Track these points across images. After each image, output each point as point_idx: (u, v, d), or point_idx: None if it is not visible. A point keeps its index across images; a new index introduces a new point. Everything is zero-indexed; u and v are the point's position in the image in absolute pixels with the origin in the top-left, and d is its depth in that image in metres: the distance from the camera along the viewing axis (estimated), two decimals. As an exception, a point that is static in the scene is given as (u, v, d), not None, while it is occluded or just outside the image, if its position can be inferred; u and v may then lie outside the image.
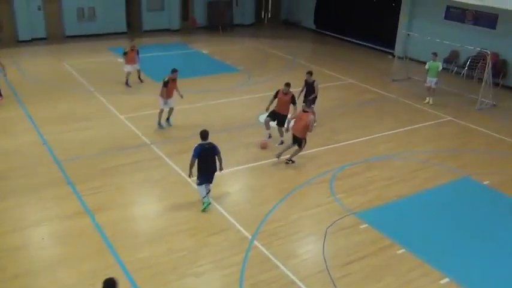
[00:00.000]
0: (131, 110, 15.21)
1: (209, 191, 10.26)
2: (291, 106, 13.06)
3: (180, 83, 14.68)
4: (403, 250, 9.21)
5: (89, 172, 11.46)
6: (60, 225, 9.53)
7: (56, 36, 23.61)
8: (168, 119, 14.27)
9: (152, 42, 24.07)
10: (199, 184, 10.09)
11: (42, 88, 17.05)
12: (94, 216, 9.76)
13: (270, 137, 13.48)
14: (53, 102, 15.69)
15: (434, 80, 16.75)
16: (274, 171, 11.97)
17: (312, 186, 11.33)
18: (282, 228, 9.70)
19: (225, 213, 10.08)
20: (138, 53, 17.39)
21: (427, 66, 16.90)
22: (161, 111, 13.99)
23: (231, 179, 11.73)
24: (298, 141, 12.16)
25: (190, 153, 9.84)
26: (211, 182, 10.25)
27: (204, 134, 9.98)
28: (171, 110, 14.16)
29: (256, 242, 9.22)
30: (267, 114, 13.37)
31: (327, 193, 11.05)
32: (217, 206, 10.32)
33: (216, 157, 10.07)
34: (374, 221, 10.00)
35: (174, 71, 13.84)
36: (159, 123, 14.04)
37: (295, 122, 12.20)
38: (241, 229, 9.59)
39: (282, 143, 13.14)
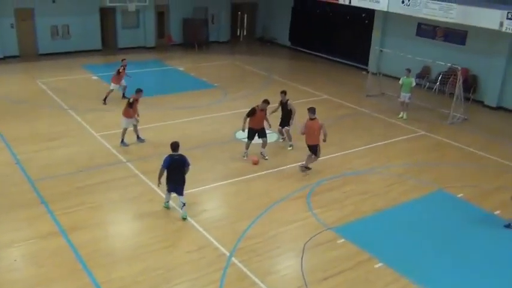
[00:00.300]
0: (106, 127, 15.06)
1: (183, 204, 10.38)
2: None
3: (157, 100, 14.70)
4: (380, 264, 9.28)
5: (63, 191, 11.27)
6: (33, 246, 9.32)
7: (29, 54, 23.33)
8: (138, 136, 14.19)
9: (128, 60, 23.88)
10: (167, 190, 10.55)
11: (15, 106, 16.77)
12: (68, 236, 9.58)
13: (246, 156, 13.51)
14: (25, 121, 15.44)
15: (408, 95, 17.09)
16: (251, 187, 11.97)
17: (289, 202, 11.35)
18: (260, 244, 9.68)
19: (203, 230, 10.02)
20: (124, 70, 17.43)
21: (400, 82, 17.24)
22: (125, 130, 13.91)
23: (208, 195, 11.69)
24: (314, 149, 12.57)
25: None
26: (181, 195, 10.38)
27: (174, 146, 10.27)
28: (135, 126, 14.09)
29: (234, 259, 9.17)
30: (247, 135, 13.40)
31: (304, 208, 11.08)
32: (195, 223, 10.25)
33: (185, 169, 10.32)
34: (351, 236, 10.06)
35: (139, 91, 13.85)
36: (123, 141, 13.90)
37: (306, 133, 12.53)
38: (219, 246, 9.53)
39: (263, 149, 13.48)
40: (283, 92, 14.33)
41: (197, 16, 27.48)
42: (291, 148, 14.10)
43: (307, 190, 11.90)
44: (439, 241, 10.26)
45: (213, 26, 28.41)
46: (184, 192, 10.47)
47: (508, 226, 10.94)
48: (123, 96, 17.38)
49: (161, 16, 26.93)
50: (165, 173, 10.28)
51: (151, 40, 26.47)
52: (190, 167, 10.39)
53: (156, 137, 14.64)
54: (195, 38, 26.90)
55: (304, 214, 10.85)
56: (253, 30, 30.62)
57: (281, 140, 14.63)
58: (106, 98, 17.27)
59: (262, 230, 10.14)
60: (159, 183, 10.24)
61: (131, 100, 13.73)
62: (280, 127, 14.36)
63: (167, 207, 10.80)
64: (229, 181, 12.22)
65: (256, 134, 13.44)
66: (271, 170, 12.85)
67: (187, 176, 10.52)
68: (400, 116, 17.28)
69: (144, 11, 25.53)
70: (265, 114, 13.47)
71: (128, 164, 12.81)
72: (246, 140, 13.52)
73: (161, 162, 10.26)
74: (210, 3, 27.61)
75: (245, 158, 13.46)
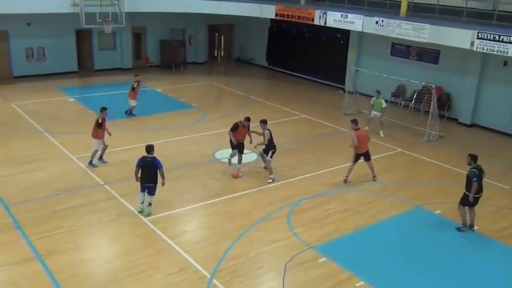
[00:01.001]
0: (83, 149, 14.85)
1: (149, 204, 11.16)
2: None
3: (135, 121, 14.63)
4: (362, 283, 9.28)
5: (39, 215, 11.03)
6: (8, 271, 9.07)
7: (3, 76, 22.99)
8: (101, 157, 14.12)
9: (104, 81, 23.84)
10: (140, 190, 11.21)
11: (-11, 129, 16.48)
12: (44, 261, 9.35)
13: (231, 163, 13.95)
14: (0, 144, 15.14)
15: (379, 114, 17.46)
16: (231, 207, 11.91)
17: (270, 222, 11.32)
18: (241, 265, 9.60)
19: (183, 252, 9.90)
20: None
21: (372, 102, 17.65)
22: (95, 152, 13.87)
23: (188, 217, 11.59)
24: (368, 155, 13.59)
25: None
26: (152, 194, 11.14)
27: (147, 148, 11.17)
28: (104, 147, 14.02)
29: (215, 281, 9.06)
30: (233, 149, 13.69)
31: (285, 228, 11.06)
32: (175, 245, 10.13)
33: (158, 171, 10.98)
34: (332, 254, 10.06)
35: (103, 109, 13.89)
36: (91, 163, 13.85)
37: (360, 143, 13.26)
38: (200, 268, 9.43)
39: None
40: (263, 121, 13.46)
41: (174, 37, 27.62)
42: (271, 181, 13.39)
43: (287, 209, 11.90)
44: (418, 258, 10.32)
45: (190, 47, 28.54)
46: (165, 213, 10.40)
47: (458, 229, 11.33)
48: (127, 113, 18.18)
49: (138, 38, 26.94)
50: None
51: (128, 62, 26.41)
52: (162, 169, 11.03)
53: (134, 158, 14.36)
54: (172, 59, 26.96)
55: (285, 234, 10.82)
56: (230, 51, 30.83)
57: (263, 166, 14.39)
58: (128, 111, 18.21)
59: (243, 251, 10.07)
60: (137, 179, 11.12)
61: (100, 120, 13.69)
62: (263, 152, 13.74)
63: (141, 210, 11.26)
64: (209, 202, 12.15)
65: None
66: (250, 190, 12.83)
67: (168, 194, 11.04)
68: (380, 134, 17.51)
69: (120, 33, 25.50)
70: (248, 130, 13.76)
71: (106, 186, 12.64)
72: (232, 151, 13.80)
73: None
74: (186, 24, 27.76)
75: (231, 165, 13.84)
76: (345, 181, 13.55)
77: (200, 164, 14.36)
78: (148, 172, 10.96)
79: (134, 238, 10.37)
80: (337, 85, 24.47)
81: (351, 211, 12.02)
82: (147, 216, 11.11)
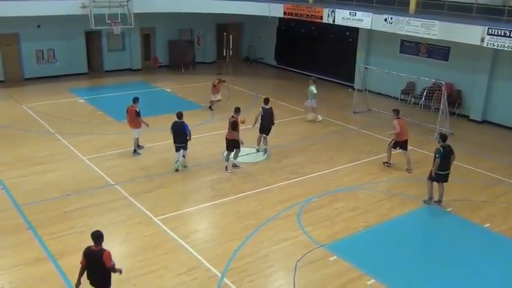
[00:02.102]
0: (94, 150, 14.98)
1: (183, 156, 13.74)
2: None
3: (145, 121, 14.73)
4: (372, 281, 9.26)
5: (51, 216, 11.13)
6: (20, 272, 9.16)
7: (14, 78, 23.23)
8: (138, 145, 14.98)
9: (114, 82, 23.99)
10: (175, 151, 13.54)
11: (1, 131, 16.62)
12: (57, 262, 9.44)
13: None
14: (12, 146, 15.30)
15: (311, 101, 18.33)
16: (240, 207, 11.92)
17: (280, 221, 11.32)
18: (251, 264, 9.61)
19: (193, 252, 9.94)
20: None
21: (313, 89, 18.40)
22: (137, 140, 14.90)
23: (197, 216, 11.63)
24: (406, 144, 14.29)
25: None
26: (185, 149, 13.71)
27: (178, 114, 13.54)
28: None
29: (226, 280, 9.08)
30: (229, 148, 13.94)
31: (295, 226, 11.06)
32: (185, 245, 10.18)
33: (186, 133, 13.39)
34: (343, 253, 10.04)
35: (137, 99, 14.70)
36: (136, 151, 14.90)
37: (401, 131, 14.01)
38: (211, 267, 9.45)
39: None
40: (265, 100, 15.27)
41: (183, 38, 27.70)
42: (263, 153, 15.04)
43: (297, 208, 11.89)
44: (430, 256, 10.29)
45: (199, 47, 28.60)
46: (174, 213, 10.54)
47: (424, 202, 12.21)
48: (210, 108, 19.59)
49: (147, 38, 27.06)
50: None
51: (137, 62, 26.54)
52: (191, 134, 13.59)
53: (144, 158, 14.59)
54: (181, 60, 27.04)
55: (295, 232, 10.82)
56: (239, 50, 30.86)
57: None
58: (210, 106, 19.61)
59: (253, 250, 10.08)
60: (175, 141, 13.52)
61: (138, 109, 14.39)
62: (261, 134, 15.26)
63: (176, 168, 13.56)
64: (218, 201, 12.17)
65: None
66: (259, 190, 12.83)
67: (177, 194, 11.60)
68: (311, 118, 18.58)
69: (129, 34, 25.62)
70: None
71: (116, 186, 12.71)
72: (237, 151, 13.93)
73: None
74: (195, 24, 27.81)
75: (229, 171, 13.90)
76: (388, 165, 14.51)
77: (208, 164, 14.39)
78: (180, 134, 13.41)
79: (144, 238, 10.42)
80: (347, 83, 24.39)
81: (360, 209, 11.98)
82: (179, 167, 13.64)
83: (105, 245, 10.38)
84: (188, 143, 13.74)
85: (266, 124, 15.14)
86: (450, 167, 12.03)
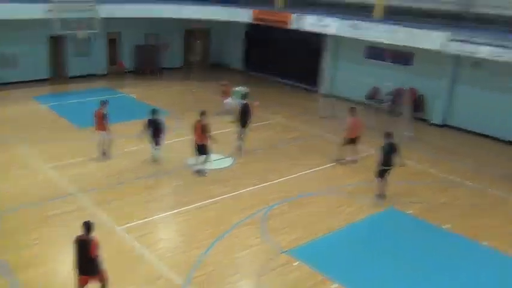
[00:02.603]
0: (56, 159, 14.70)
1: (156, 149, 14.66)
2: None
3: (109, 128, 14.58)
4: (336, 285, 9.37)
5: (10, 227, 10.86)
6: (-24, 286, 8.92)
7: (-26, 84, 22.63)
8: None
9: (79, 88, 23.62)
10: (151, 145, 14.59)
11: (-41, 140, 16.18)
12: (15, 275, 9.21)
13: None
14: (-30, 155, 14.90)
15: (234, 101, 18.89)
16: (205, 214, 11.89)
17: (244, 227, 11.33)
18: (215, 272, 9.60)
19: (156, 261, 9.86)
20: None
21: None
22: (109, 141, 14.93)
23: (161, 225, 11.54)
24: (357, 140, 15.29)
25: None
26: (158, 144, 14.62)
27: (152, 111, 14.56)
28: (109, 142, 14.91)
29: (188, 289, 9.04)
30: (200, 151, 14.01)
31: (259, 233, 11.09)
32: (148, 254, 10.08)
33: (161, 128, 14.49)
34: (306, 258, 10.12)
35: (106, 102, 14.67)
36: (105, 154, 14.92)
37: (352, 128, 15.05)
38: (174, 276, 9.39)
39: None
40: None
41: (150, 43, 27.47)
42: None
43: (261, 214, 11.93)
44: (392, 258, 10.45)
45: (166, 53, 28.43)
46: (138, 222, 10.82)
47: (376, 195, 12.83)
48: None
49: (113, 43, 26.73)
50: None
51: (103, 68, 26.21)
52: (165, 131, 14.66)
53: (108, 166, 14.41)
54: (147, 65, 26.85)
55: (258, 239, 10.85)
56: (206, 55, 30.82)
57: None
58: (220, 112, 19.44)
59: (217, 258, 10.06)
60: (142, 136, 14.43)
61: (105, 112, 14.38)
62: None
63: (153, 159, 14.71)
64: (183, 209, 12.10)
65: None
66: (224, 196, 12.82)
67: (141, 202, 11.54)
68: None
69: (95, 39, 25.28)
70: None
71: (80, 195, 12.51)
72: (207, 156, 13.98)
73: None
74: (162, 29, 27.64)
75: (207, 174, 14.06)
76: (342, 162, 15.21)
77: (174, 171, 14.31)
78: (153, 130, 14.43)
79: (107, 247, 10.22)
80: (313, 89, 24.61)
81: (323, 214, 12.11)
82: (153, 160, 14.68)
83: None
84: (161, 139, 14.65)
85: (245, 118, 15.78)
86: (392, 164, 12.68)
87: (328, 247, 10.76)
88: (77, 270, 8.06)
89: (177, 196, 12.79)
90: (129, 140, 16.54)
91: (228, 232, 11.07)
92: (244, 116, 15.65)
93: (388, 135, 12.73)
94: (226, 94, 20.22)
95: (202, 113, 14.07)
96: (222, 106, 19.90)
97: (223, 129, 17.45)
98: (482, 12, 17.44)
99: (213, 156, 14.83)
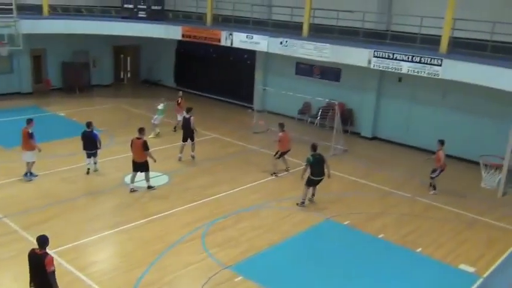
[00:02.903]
0: (-21, 181, 13.82)
1: (95, 163, 14.94)
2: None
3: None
4: (278, 298, 9.40)
5: None
6: None
7: None
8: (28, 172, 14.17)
9: (1, 107, 22.38)
10: (87, 157, 14.76)
11: None
12: None
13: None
14: None
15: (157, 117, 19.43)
16: (143, 233, 11.59)
17: (185, 244, 11.16)
18: (156, 291, 9.35)
19: (93, 284, 9.46)
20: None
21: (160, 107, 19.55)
22: (32, 163, 14.17)
23: (98, 246, 11.11)
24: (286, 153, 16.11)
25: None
26: (95, 156, 14.88)
27: (87, 124, 14.71)
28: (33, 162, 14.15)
29: (129, 311, 8.74)
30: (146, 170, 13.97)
31: (200, 249, 10.96)
32: (83, 278, 9.65)
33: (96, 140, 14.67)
34: (248, 273, 10.11)
35: (31, 120, 14.09)
36: (30, 174, 14.17)
37: (284, 143, 15.74)
38: (112, 299, 9.05)
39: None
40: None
41: (77, 59, 26.58)
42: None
43: (202, 230, 11.80)
44: (332, 269, 10.67)
45: (95, 69, 27.66)
46: (71, 244, 10.35)
47: (298, 204, 13.49)
48: (175, 130, 19.78)
49: (37, 60, 25.62)
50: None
51: (27, 85, 25.02)
52: (101, 143, 14.86)
53: (37, 188, 13.72)
54: (76, 82, 25.97)
55: (200, 255, 10.71)
56: (137, 72, 30.32)
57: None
58: (175, 127, 19.76)
59: (158, 276, 9.82)
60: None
61: (30, 131, 13.71)
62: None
63: (87, 172, 14.75)
64: (120, 228, 11.73)
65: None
66: (163, 214, 12.58)
67: (75, 223, 11.07)
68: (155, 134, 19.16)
69: (18, 56, 24.11)
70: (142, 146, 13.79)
71: (5, 219, 11.78)
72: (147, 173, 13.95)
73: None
74: (90, 46, 26.88)
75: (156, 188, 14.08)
76: (275, 175, 15.74)
77: (109, 190, 13.87)
78: (88, 142, 14.64)
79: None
80: (246, 104, 24.86)
81: (264, 228, 12.18)
82: (91, 171, 14.78)
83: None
84: (98, 150, 14.82)
85: (186, 132, 16.58)
86: (324, 174, 13.42)
87: (270, 261, 10.81)
88: (33, 285, 7.83)
89: (113, 215, 12.39)
90: (59, 159, 15.89)
91: (168, 250, 10.84)
92: (186, 130, 16.47)
93: (314, 147, 13.53)
94: (180, 107, 19.96)
95: (141, 130, 13.86)
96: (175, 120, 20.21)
97: (160, 145, 17.22)
98: (401, 30, 18.44)
99: (150, 174, 14.57)
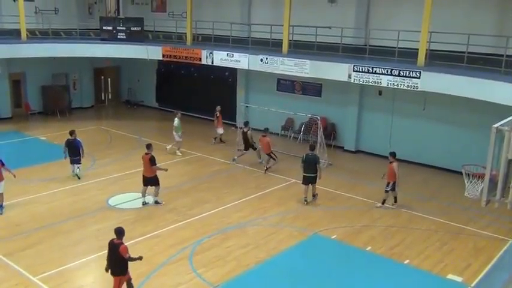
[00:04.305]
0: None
1: (78, 168, 16.03)
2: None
3: (18, 173, 13.72)
4: (268, 316, 9.31)
5: None
6: None
7: None
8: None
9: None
10: (70, 163, 15.95)
11: None
12: None
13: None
14: None
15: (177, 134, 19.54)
16: (129, 255, 11.41)
17: (172, 265, 11.03)
18: (144, 315, 9.19)
19: (80, 310, 9.27)
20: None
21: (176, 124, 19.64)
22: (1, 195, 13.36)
23: (83, 270, 10.93)
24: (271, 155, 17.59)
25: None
26: (78, 163, 15.92)
27: (70, 132, 15.95)
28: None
29: (117, 336, 8.56)
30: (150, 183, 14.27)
31: (188, 270, 10.84)
32: (70, 303, 9.46)
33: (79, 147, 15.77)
34: (237, 291, 10.02)
35: None
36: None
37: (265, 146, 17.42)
38: (100, 324, 8.86)
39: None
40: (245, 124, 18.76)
41: (57, 82, 26.42)
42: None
43: (189, 251, 11.69)
44: (320, 285, 10.62)
45: (75, 92, 27.49)
46: (55, 270, 10.16)
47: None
48: (221, 141, 21.39)
49: (17, 84, 25.38)
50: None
51: (6, 110, 24.71)
52: (83, 150, 15.97)
53: (19, 213, 13.47)
54: (56, 105, 25.73)
55: (188, 275, 10.60)
56: (118, 93, 30.21)
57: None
58: (215, 139, 21.36)
59: (146, 299, 9.68)
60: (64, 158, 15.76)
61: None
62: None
63: (73, 176, 15.97)
64: (105, 252, 11.44)
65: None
66: (148, 235, 12.45)
67: (59, 248, 10.91)
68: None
69: (-4, 80, 23.90)
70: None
71: (-13, 247, 11.54)
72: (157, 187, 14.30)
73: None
74: (70, 68, 26.75)
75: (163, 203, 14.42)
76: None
77: (93, 213, 13.69)
78: (71, 149, 15.69)
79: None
80: (229, 122, 24.85)
81: (251, 245, 12.11)
82: (79, 178, 15.89)
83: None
84: (81, 157, 15.90)
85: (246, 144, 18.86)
86: (316, 172, 14.63)
87: (257, 279, 10.74)
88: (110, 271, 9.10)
89: (97, 239, 12.18)
90: (42, 183, 15.67)
91: (156, 271, 10.70)
92: (246, 143, 18.60)
93: (311, 147, 14.99)
94: (219, 121, 21.39)
95: (148, 146, 14.21)
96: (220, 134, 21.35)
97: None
98: (379, 45, 18.73)
99: (134, 195, 14.49)
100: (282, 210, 14.42)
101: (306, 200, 14.77)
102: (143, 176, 14.14)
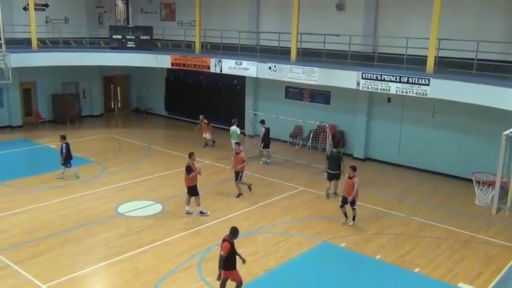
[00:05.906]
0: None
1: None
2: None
3: (28, 181, 13.82)
4: (277, 324, 9.25)
5: None
6: None
7: None
8: None
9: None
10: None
11: None
12: None
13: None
14: None
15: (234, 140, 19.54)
16: (138, 263, 11.43)
17: (180, 273, 11.02)
18: (153, 323, 9.18)
19: (89, 318, 9.28)
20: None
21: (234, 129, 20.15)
22: None
23: (92, 278, 10.94)
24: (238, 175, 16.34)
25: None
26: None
27: (61, 136, 16.81)
28: None
29: None
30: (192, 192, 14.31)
31: (197, 278, 10.82)
32: (79, 311, 9.47)
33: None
34: (246, 299, 9.98)
35: None
36: None
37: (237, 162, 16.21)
38: (108, 332, 8.86)
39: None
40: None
41: (67, 91, 26.67)
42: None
43: (197, 258, 11.67)
44: (329, 292, 10.57)
45: (85, 100, 27.71)
46: (65, 277, 10.12)
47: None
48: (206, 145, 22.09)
49: (27, 93, 25.66)
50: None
51: (17, 119, 24.96)
52: (63, 155, 16.51)
53: (29, 221, 13.55)
54: (66, 114, 25.95)
55: (197, 284, 10.58)
56: (127, 102, 30.40)
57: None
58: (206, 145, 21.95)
59: (155, 307, 9.67)
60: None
61: None
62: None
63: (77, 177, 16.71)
64: (115, 259, 11.57)
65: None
66: (157, 243, 12.44)
67: (69, 255, 10.87)
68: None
69: (7, 89, 24.14)
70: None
71: (-2, 254, 11.61)
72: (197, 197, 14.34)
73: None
74: (80, 77, 26.99)
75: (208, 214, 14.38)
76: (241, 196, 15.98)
77: (102, 221, 13.73)
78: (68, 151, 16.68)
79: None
80: (238, 130, 24.86)
81: (260, 253, 12.07)
82: (77, 178, 16.62)
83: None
84: (61, 160, 16.67)
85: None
86: (340, 169, 15.60)
87: (268, 287, 10.69)
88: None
89: (106, 247, 12.21)
90: (51, 191, 15.75)
91: (165, 279, 10.69)
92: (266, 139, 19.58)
93: (336, 144, 15.71)
94: (207, 127, 22.01)
95: (190, 155, 14.31)
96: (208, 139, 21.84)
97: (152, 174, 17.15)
98: (388, 52, 18.69)
99: (142, 203, 14.52)
100: (290, 218, 14.37)
101: (328, 194, 15.73)
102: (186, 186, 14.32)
